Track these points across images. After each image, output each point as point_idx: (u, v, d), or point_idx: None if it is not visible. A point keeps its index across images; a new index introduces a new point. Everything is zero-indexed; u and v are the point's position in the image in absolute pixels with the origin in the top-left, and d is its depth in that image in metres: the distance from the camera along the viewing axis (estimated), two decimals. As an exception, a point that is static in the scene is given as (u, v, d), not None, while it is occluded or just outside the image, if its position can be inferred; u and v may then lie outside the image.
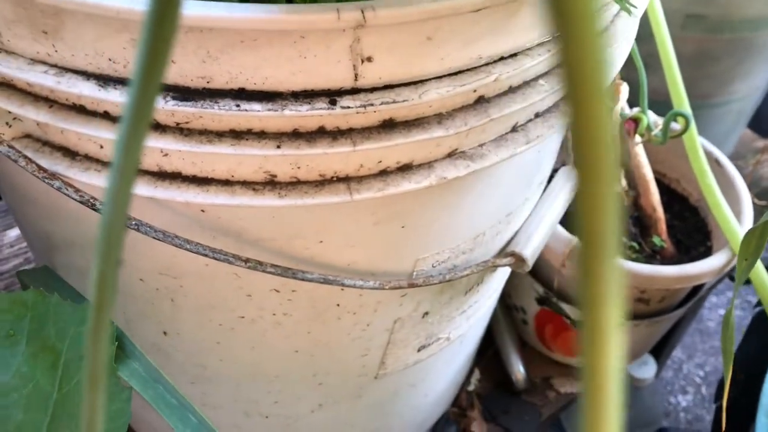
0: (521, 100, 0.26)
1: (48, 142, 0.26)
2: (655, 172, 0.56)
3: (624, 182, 0.54)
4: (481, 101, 0.25)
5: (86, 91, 0.22)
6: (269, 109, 0.21)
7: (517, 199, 0.34)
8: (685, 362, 1.11)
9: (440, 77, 0.24)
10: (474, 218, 0.32)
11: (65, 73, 0.22)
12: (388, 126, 0.24)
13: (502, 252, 0.37)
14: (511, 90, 0.26)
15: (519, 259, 0.36)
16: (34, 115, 0.23)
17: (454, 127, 0.25)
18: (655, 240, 0.51)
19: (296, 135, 0.23)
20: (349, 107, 0.22)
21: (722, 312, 1.19)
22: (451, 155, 0.27)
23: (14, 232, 0.62)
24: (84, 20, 0.20)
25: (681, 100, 0.44)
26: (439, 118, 0.25)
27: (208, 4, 0.20)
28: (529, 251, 0.36)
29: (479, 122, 0.25)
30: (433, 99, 0.23)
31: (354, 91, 0.23)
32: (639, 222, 0.54)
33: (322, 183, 0.25)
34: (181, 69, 0.21)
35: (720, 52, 0.59)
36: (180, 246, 0.26)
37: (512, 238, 0.38)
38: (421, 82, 0.24)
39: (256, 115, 0.22)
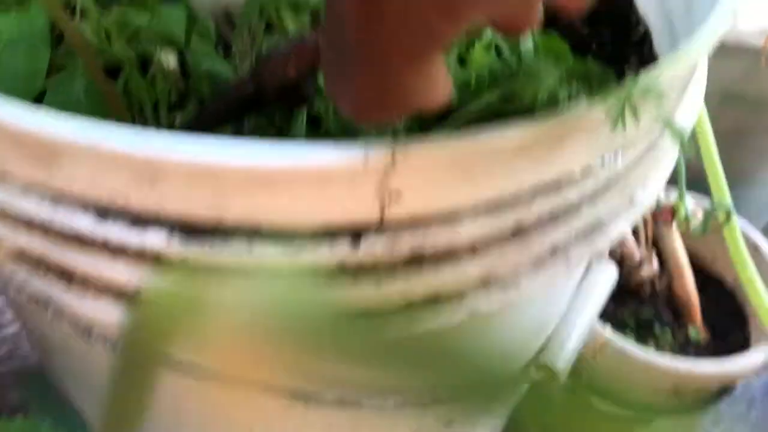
0: (563, 226, 0.23)
1: (42, 261, 0.24)
2: (688, 251, 0.54)
3: (656, 265, 0.51)
4: (519, 231, 0.23)
5: (83, 224, 0.20)
6: (284, 254, 0.19)
7: (551, 313, 0.32)
8: (710, 430, 1.06)
9: (476, 209, 0.21)
10: (504, 335, 0.29)
11: (62, 201, 0.20)
12: (417, 262, 0.22)
13: (532, 362, 0.34)
14: (552, 217, 0.23)
15: (550, 373, 0.33)
16: (26, 242, 0.21)
17: (489, 258, 0.22)
18: (692, 333, 0.48)
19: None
20: (374, 247, 0.20)
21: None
22: (484, 282, 0.24)
23: (19, 297, 0.60)
24: (81, 158, 0.18)
25: (721, 190, 0.42)
26: (473, 250, 0.22)
27: (224, 145, 0.17)
28: (562, 362, 0.33)
29: (517, 252, 0.23)
30: (466, 234, 0.21)
31: (380, 228, 0.20)
32: (672, 307, 0.51)
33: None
34: (190, 206, 0.19)
35: (759, 130, 0.56)
36: None
37: (544, 345, 0.35)
38: (455, 213, 0.21)
39: (269, 258, 0.19)
